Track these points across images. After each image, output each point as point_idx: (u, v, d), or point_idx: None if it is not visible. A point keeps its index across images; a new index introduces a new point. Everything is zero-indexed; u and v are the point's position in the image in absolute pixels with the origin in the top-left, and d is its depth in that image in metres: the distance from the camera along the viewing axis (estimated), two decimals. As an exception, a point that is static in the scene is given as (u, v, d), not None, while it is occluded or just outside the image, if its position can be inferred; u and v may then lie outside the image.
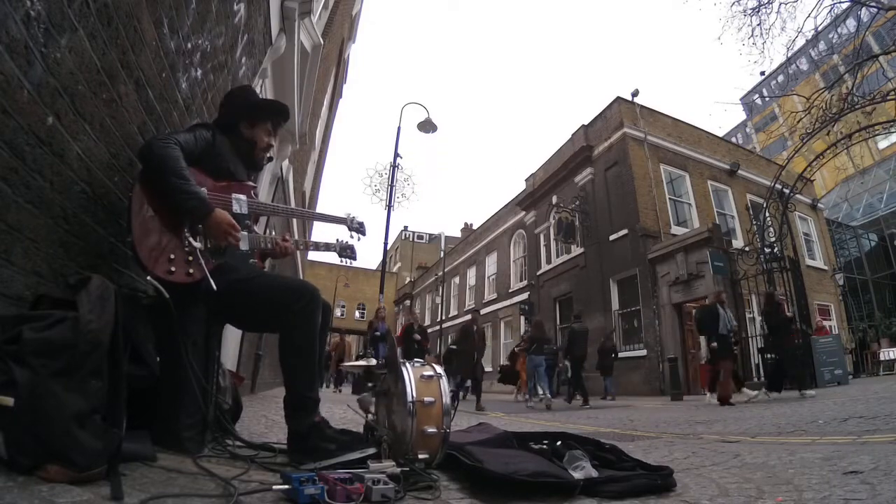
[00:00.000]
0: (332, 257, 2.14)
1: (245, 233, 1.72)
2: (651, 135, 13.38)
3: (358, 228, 2.08)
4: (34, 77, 1.10)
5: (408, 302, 29.02)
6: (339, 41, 8.42)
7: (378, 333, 8.01)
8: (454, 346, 8.69)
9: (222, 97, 2.02)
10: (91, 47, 1.29)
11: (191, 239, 1.54)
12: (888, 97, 7.77)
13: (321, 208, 13.51)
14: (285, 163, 5.51)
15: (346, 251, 2.09)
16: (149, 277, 1.45)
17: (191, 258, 1.53)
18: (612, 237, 12.96)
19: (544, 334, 8.80)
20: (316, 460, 1.46)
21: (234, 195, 1.73)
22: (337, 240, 2.09)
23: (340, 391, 11.59)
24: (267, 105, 1.98)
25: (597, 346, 10.30)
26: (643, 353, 11.48)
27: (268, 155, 1.95)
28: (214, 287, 1.50)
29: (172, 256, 1.51)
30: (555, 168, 15.89)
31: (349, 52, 11.67)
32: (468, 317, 9.38)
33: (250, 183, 1.87)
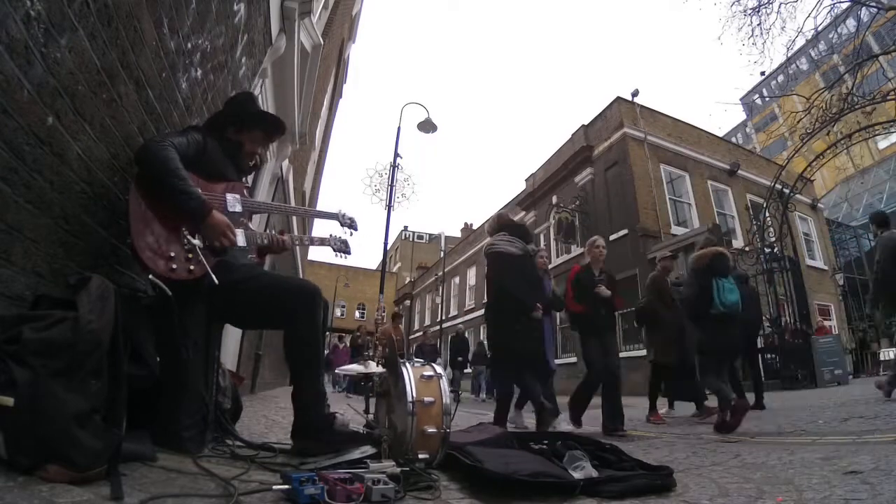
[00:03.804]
0: (332, 257, 2.20)
1: (241, 230, 1.76)
2: (651, 135, 13.38)
3: (350, 224, 2.15)
4: (34, 77, 1.10)
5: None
6: (339, 41, 8.42)
7: (548, 294, 4.28)
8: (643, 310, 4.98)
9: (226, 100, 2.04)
10: (91, 47, 1.29)
11: (189, 237, 1.56)
12: (888, 97, 7.76)
13: (321, 208, 13.48)
14: (285, 163, 5.52)
15: (341, 245, 2.14)
16: (151, 276, 1.46)
17: (190, 255, 1.55)
18: (612, 237, 12.94)
19: (483, 350, 9.95)
20: (323, 450, 1.50)
21: (227, 194, 1.76)
22: (331, 235, 2.14)
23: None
24: (253, 115, 1.98)
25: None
26: (643, 353, 11.48)
27: (252, 163, 1.97)
28: (216, 282, 1.52)
29: (172, 254, 1.52)
30: (555, 168, 15.88)
31: (349, 52, 11.67)
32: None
33: (243, 182, 1.92)
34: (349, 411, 2.36)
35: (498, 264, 3.48)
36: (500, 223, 3.72)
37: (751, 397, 4.97)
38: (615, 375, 3.68)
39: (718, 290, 3.44)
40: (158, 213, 1.53)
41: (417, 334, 27.39)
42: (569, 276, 4.07)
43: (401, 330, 8.73)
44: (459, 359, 11.43)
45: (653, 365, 4.85)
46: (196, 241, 1.56)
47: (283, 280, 1.83)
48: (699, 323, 3.59)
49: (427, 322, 26.45)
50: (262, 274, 1.79)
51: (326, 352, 13.93)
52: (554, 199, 15.74)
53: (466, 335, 13.32)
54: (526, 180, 18.21)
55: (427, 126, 9.63)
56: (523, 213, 17.95)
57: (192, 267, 1.54)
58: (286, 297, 1.67)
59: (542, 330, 3.96)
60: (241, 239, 1.74)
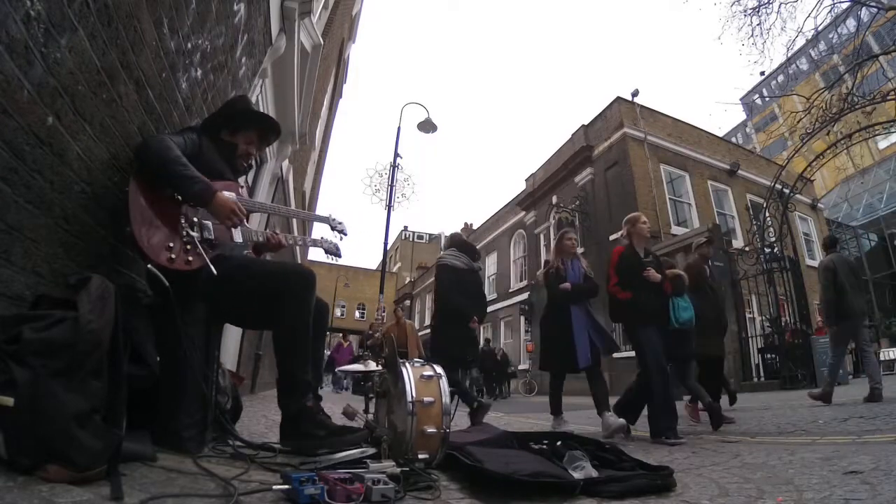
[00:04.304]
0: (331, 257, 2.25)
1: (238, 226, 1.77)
2: (651, 135, 13.39)
3: (340, 229, 2.23)
4: (34, 77, 1.10)
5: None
6: (339, 41, 8.42)
7: (567, 284, 3.59)
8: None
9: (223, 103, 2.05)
10: (91, 47, 1.29)
11: (188, 229, 1.58)
12: (888, 97, 7.76)
13: (321, 208, 13.45)
14: (285, 163, 5.51)
15: (332, 248, 2.20)
16: (149, 266, 1.46)
17: (189, 247, 1.56)
18: (612, 237, 12.94)
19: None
20: (305, 447, 1.48)
21: (224, 192, 1.76)
22: (322, 238, 2.19)
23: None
24: (247, 115, 1.99)
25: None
26: (643, 353, 11.48)
27: (246, 163, 1.98)
28: (214, 271, 1.53)
29: (171, 244, 1.53)
30: (555, 168, 15.89)
31: (349, 52, 11.66)
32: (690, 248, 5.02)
33: (239, 181, 1.94)
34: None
35: (442, 275, 3.89)
36: (452, 241, 4.17)
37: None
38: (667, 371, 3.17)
39: (674, 309, 3.67)
40: (157, 205, 1.54)
41: (424, 332, 27.35)
42: (611, 259, 3.54)
43: (406, 327, 7.44)
44: (470, 359, 11.02)
45: (698, 360, 4.39)
46: (194, 234, 1.58)
47: (274, 263, 1.84)
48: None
49: (427, 322, 26.41)
50: (255, 261, 1.80)
51: (328, 351, 13.90)
52: (554, 199, 15.75)
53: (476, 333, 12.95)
54: (526, 180, 18.22)
55: (427, 126, 9.64)
56: (523, 213, 17.96)
57: (190, 258, 1.55)
58: (274, 279, 1.65)
59: (568, 320, 3.51)
60: (237, 235, 1.77)
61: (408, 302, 31.30)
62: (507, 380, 14.20)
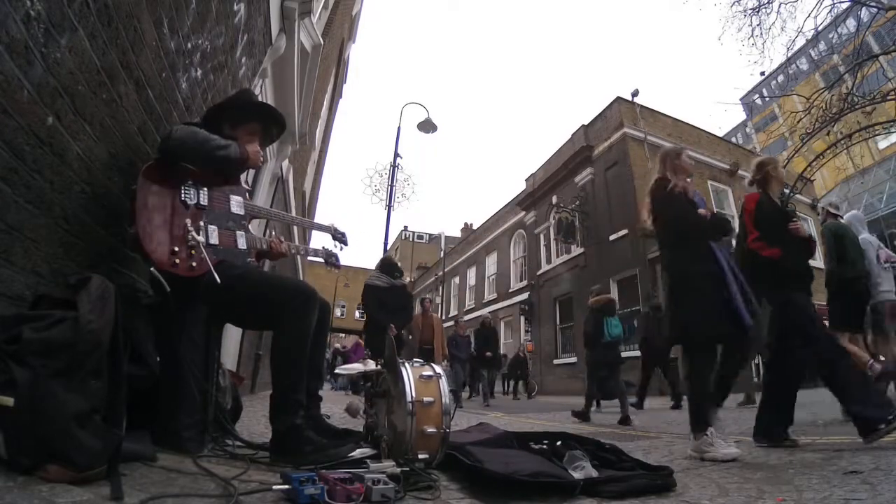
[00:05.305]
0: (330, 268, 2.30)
1: (242, 233, 1.77)
2: (651, 135, 13.38)
3: (341, 238, 2.30)
4: (34, 77, 1.10)
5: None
6: (339, 41, 8.42)
7: (705, 210, 2.51)
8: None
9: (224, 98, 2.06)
10: (91, 47, 1.29)
11: (193, 233, 1.57)
12: (888, 97, 7.76)
13: (321, 208, 13.38)
14: (285, 163, 5.52)
15: (331, 258, 2.24)
16: (152, 269, 1.46)
17: (193, 252, 1.56)
18: (612, 237, 12.96)
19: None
20: (293, 462, 1.46)
21: (231, 196, 1.78)
22: (322, 247, 2.24)
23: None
24: (248, 106, 1.97)
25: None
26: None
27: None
28: (218, 280, 1.51)
29: (176, 249, 1.52)
30: (555, 168, 15.88)
31: (349, 52, 11.66)
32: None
33: (244, 186, 1.94)
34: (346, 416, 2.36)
35: (367, 294, 4.96)
36: (380, 263, 5.28)
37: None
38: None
39: (607, 326, 4.86)
40: (164, 207, 1.54)
41: (447, 324, 27.16)
42: (745, 207, 2.74)
43: (433, 320, 6.79)
44: (488, 354, 9.70)
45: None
46: (200, 238, 1.57)
47: (278, 278, 1.84)
48: (593, 348, 5.07)
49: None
50: (258, 272, 1.79)
51: (344, 349, 13.79)
52: (554, 199, 15.74)
53: (493, 325, 11.26)
54: (526, 180, 18.22)
55: (427, 126, 9.64)
56: (523, 212, 17.97)
57: (194, 263, 1.55)
58: (276, 294, 1.64)
59: (716, 260, 2.32)
60: (241, 242, 1.76)
61: (408, 302, 31.21)
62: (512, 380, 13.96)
